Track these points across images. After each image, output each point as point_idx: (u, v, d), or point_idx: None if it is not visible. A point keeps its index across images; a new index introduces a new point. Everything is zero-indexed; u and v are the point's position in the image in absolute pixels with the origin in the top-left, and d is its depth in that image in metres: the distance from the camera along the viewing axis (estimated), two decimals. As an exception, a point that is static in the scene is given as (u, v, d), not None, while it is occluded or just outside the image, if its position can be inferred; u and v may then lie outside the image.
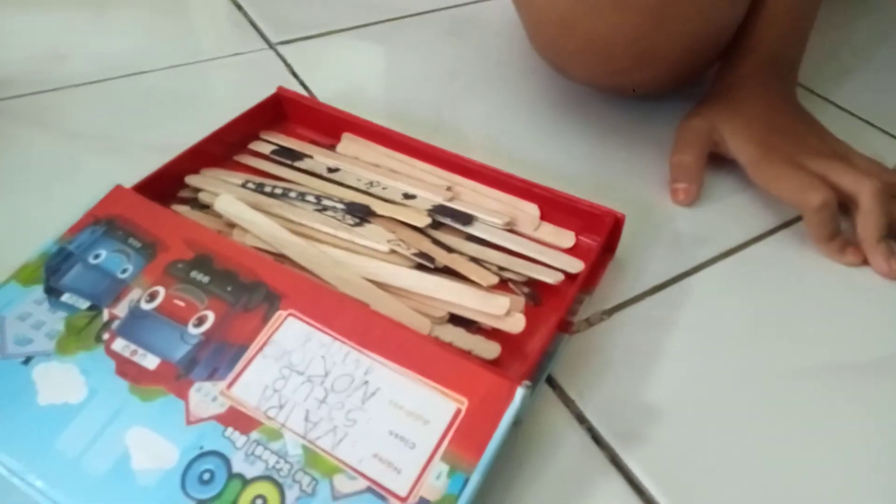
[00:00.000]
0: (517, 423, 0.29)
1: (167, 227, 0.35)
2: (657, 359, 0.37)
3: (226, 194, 0.40)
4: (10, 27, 0.52)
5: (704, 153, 0.46)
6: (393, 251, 0.38)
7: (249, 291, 0.32)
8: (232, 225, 0.39)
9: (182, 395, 0.29)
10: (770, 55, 0.48)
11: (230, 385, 0.30)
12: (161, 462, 0.28)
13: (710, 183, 0.47)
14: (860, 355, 0.38)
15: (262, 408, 0.29)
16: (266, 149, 0.46)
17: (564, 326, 0.36)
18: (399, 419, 0.29)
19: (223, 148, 0.45)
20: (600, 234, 0.40)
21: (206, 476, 0.27)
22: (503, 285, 0.38)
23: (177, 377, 0.30)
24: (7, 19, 0.57)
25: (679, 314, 0.39)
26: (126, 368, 0.30)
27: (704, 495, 0.31)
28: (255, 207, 0.40)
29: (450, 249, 0.39)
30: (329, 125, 0.47)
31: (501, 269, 0.39)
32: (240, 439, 0.28)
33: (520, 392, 0.29)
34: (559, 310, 0.35)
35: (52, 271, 0.33)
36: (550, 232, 0.41)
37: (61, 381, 0.30)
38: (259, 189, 0.42)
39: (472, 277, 0.38)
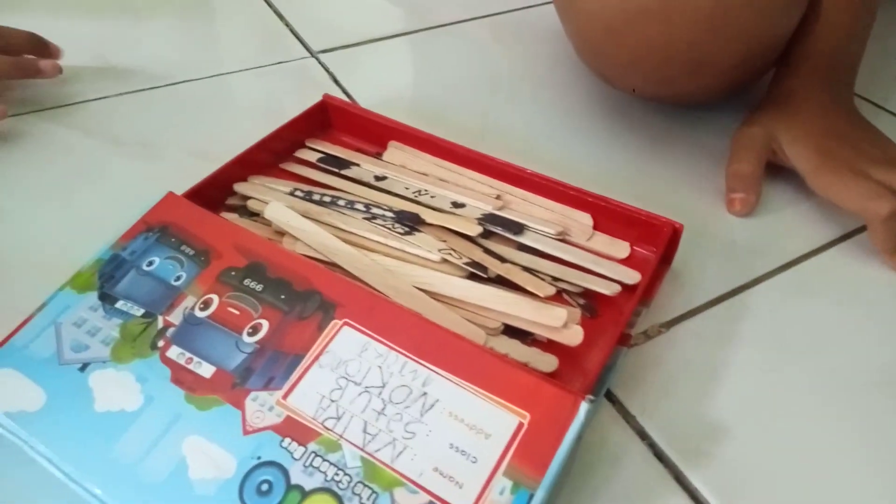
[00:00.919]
0: (578, 438, 0.28)
1: (219, 235, 0.34)
2: (718, 373, 0.35)
3: (275, 202, 0.40)
4: (56, 33, 0.52)
5: (762, 162, 0.45)
6: (445, 260, 0.38)
7: (303, 300, 0.32)
8: (281, 233, 0.39)
9: (238, 404, 0.29)
10: (827, 61, 0.46)
11: (286, 395, 0.29)
12: (218, 472, 0.27)
13: (767, 193, 0.46)
14: (931, 372, 0.36)
15: (320, 418, 0.28)
16: (312, 157, 0.46)
17: (623, 339, 0.35)
18: (459, 432, 0.28)
19: (270, 156, 0.45)
20: (657, 244, 0.39)
21: (265, 487, 0.27)
22: (557, 296, 0.38)
23: (232, 386, 0.29)
24: (52, 23, 0.57)
25: (738, 328, 0.38)
26: (182, 376, 0.30)
27: (773, 515, 0.30)
28: (305, 215, 0.39)
29: (502, 259, 0.39)
30: (374, 133, 0.47)
31: (555, 279, 0.38)
32: (298, 450, 0.28)
33: (584, 406, 0.28)
34: (618, 322, 0.34)
35: (107, 278, 0.33)
36: (604, 242, 0.41)
37: (118, 389, 0.29)
38: (308, 197, 0.41)
39: (528, 287, 0.37)
